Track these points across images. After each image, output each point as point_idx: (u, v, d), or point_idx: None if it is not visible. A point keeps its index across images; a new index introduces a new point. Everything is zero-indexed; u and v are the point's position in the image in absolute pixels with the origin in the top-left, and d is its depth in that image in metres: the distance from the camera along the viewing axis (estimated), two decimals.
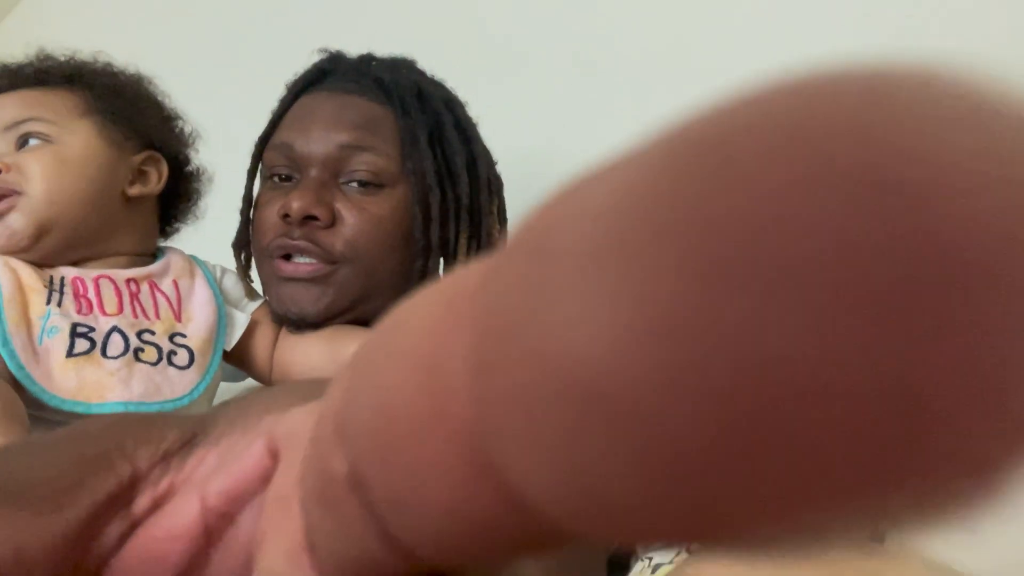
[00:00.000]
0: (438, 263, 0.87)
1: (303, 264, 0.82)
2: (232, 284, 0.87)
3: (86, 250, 0.77)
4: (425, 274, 0.86)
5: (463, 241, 0.87)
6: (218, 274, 0.86)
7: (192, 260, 0.85)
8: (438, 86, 0.92)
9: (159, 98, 0.87)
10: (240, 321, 0.84)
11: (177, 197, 0.88)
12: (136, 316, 0.75)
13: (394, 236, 0.84)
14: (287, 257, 0.83)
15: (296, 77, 0.92)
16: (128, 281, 0.77)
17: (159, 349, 0.74)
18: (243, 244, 0.91)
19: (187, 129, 0.89)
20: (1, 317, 0.68)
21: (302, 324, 0.84)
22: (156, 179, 0.83)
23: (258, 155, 0.91)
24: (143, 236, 0.83)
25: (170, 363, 0.74)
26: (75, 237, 0.76)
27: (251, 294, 0.89)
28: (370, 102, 0.86)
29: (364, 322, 0.85)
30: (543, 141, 1.16)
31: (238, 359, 0.84)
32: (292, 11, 1.53)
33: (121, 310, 0.74)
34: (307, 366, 0.81)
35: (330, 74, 0.90)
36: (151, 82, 0.87)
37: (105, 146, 0.78)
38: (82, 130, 0.77)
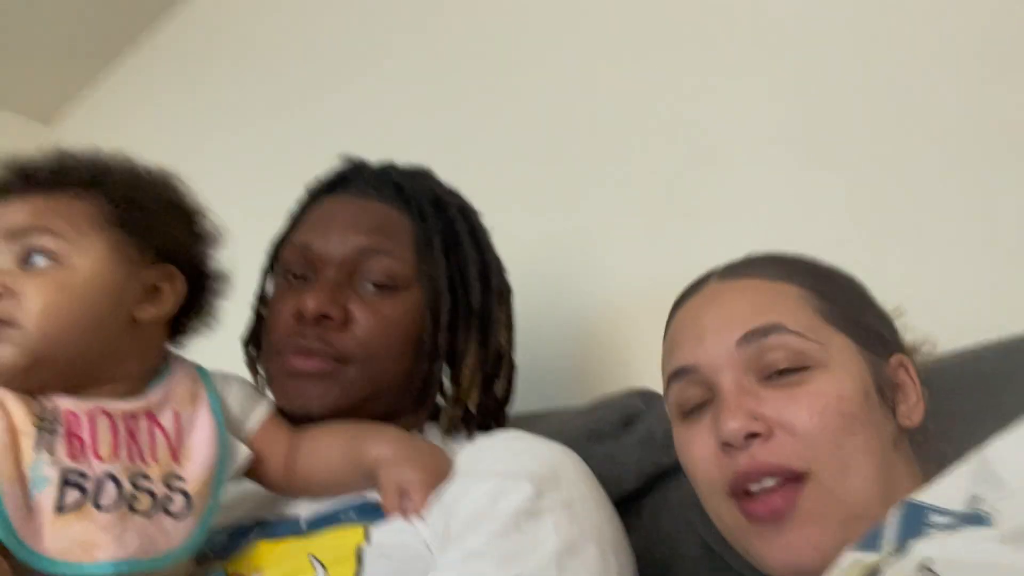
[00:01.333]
0: (442, 368, 0.87)
1: (312, 361, 0.82)
2: (238, 391, 0.80)
3: (84, 378, 0.70)
4: (430, 378, 0.87)
5: (472, 348, 0.87)
6: (222, 388, 0.78)
7: (197, 375, 0.78)
8: (454, 195, 0.94)
9: (183, 199, 0.79)
10: (243, 453, 0.77)
11: (193, 310, 0.80)
12: (132, 460, 0.68)
13: (405, 339, 0.84)
14: (297, 354, 0.82)
15: (317, 181, 0.94)
16: (126, 417, 0.70)
17: (153, 497, 0.68)
18: (254, 340, 0.92)
19: (210, 229, 0.81)
20: None
21: (306, 420, 0.83)
22: (170, 298, 0.75)
23: (275, 254, 0.92)
24: (149, 358, 0.76)
25: (166, 511, 0.68)
26: (71, 369, 0.69)
27: (256, 397, 0.83)
28: (388, 207, 0.88)
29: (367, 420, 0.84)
30: None
31: (248, 474, 0.79)
32: (328, 118, 1.58)
33: (116, 453, 0.67)
34: (328, 471, 0.78)
35: (351, 179, 0.92)
36: (175, 181, 0.79)
37: (117, 265, 0.71)
38: (94, 248, 0.70)
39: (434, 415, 0.89)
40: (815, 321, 0.71)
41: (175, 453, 0.71)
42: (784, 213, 1.05)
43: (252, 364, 0.92)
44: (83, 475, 0.65)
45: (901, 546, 0.54)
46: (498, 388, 0.90)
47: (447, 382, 0.90)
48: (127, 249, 0.72)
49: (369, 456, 0.76)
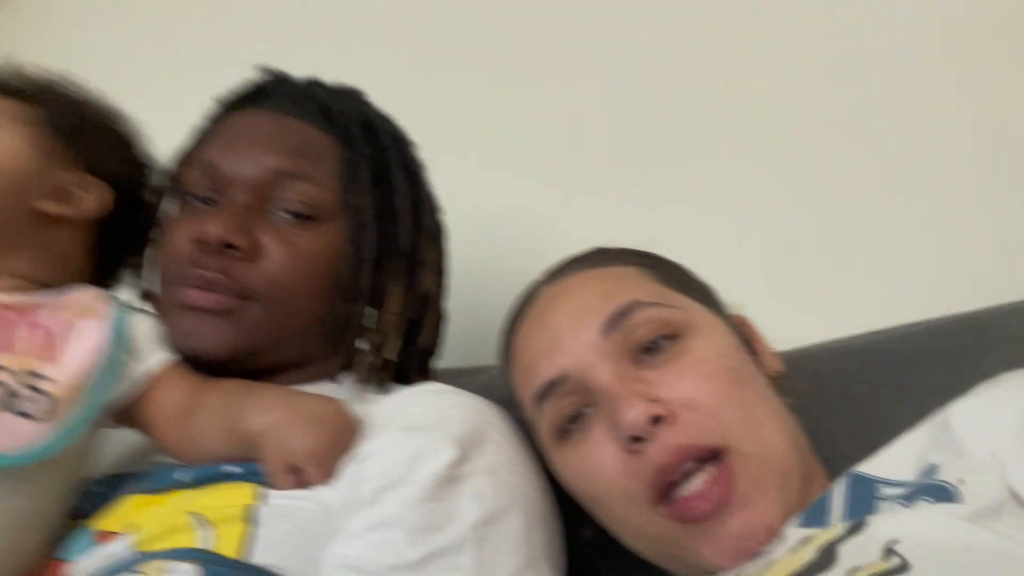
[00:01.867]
0: (362, 311, 0.78)
1: (211, 295, 0.72)
2: (149, 329, 0.73)
3: None
4: (348, 321, 0.77)
5: (396, 290, 0.78)
6: (133, 318, 0.73)
7: (106, 296, 0.72)
8: (387, 121, 0.84)
9: (122, 130, 0.80)
10: (137, 376, 0.70)
11: (120, 240, 0.78)
12: None
13: (321, 277, 0.75)
14: (194, 286, 0.72)
15: (231, 92, 0.83)
16: (2, 308, 0.66)
17: (4, 388, 0.62)
18: (137, 262, 0.81)
19: (155, 172, 0.81)
20: None
21: (196, 363, 0.73)
22: (87, 204, 0.73)
23: (176, 173, 0.80)
24: (52, 264, 0.72)
25: (16, 409, 0.62)
26: None
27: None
28: (311, 128, 0.78)
29: (266, 371, 0.75)
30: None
31: (132, 420, 0.72)
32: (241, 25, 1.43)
33: None
34: (209, 447, 0.68)
35: (270, 94, 0.82)
36: (120, 116, 0.80)
37: (30, 157, 0.71)
38: (11, 134, 0.71)
39: (349, 363, 0.79)
40: (663, 290, 0.68)
41: (46, 352, 0.65)
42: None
43: (144, 297, 0.81)
44: None
45: (854, 521, 0.50)
46: (423, 337, 0.81)
47: (367, 328, 0.80)
48: (46, 146, 0.72)
49: (250, 429, 0.66)
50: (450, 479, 0.62)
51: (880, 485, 0.54)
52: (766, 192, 0.97)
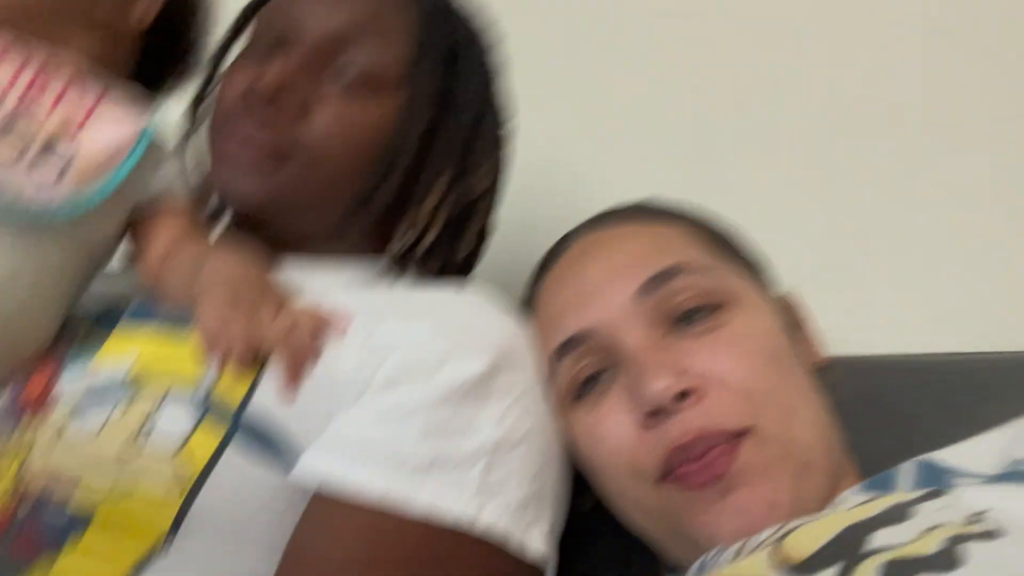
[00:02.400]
0: (396, 187, 0.71)
1: (249, 150, 0.68)
2: (175, 163, 0.71)
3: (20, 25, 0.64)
4: (381, 201, 0.71)
5: (440, 182, 0.72)
6: (164, 145, 0.70)
7: (149, 113, 0.69)
8: (475, 14, 0.78)
9: None
10: (154, 190, 0.69)
11: (165, 54, 0.75)
12: (22, 101, 0.61)
13: (368, 150, 0.70)
14: (233, 138, 0.69)
15: None
16: (43, 67, 0.63)
17: (28, 145, 0.60)
18: (198, 102, 0.77)
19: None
20: None
21: (232, 213, 0.71)
22: (138, 14, 0.70)
23: (248, 15, 0.76)
24: (100, 47, 0.68)
25: (37, 165, 0.60)
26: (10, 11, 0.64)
27: (185, 176, 0.73)
28: None
29: (298, 239, 0.72)
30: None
31: (133, 234, 0.70)
32: None
33: (11, 85, 0.61)
34: (171, 287, 0.66)
35: None
36: None
37: None
38: None
39: (382, 247, 0.75)
40: (711, 259, 0.62)
41: (81, 120, 0.63)
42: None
43: (188, 135, 0.76)
44: None
45: (930, 489, 0.45)
46: (462, 244, 0.76)
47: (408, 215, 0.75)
48: None
49: (192, 295, 0.62)
50: (476, 391, 0.58)
51: (953, 476, 0.48)
52: (842, 171, 0.90)
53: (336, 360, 0.60)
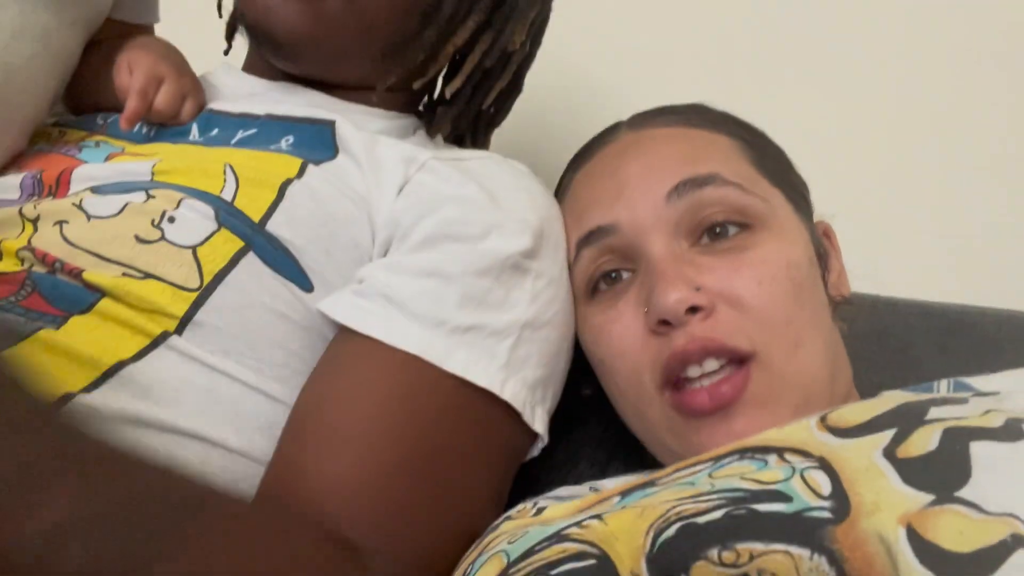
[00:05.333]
0: (434, 36, 0.68)
1: None
2: None
3: None
4: (412, 44, 0.68)
5: (472, 22, 0.69)
6: None
7: None
8: None
9: None
10: None
11: None
12: None
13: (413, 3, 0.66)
14: None
15: None
16: None
17: None
18: None
19: None
20: None
21: (261, 38, 0.66)
22: None
23: None
24: None
25: None
26: None
27: None
28: None
29: (330, 82, 0.69)
30: None
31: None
32: None
33: None
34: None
35: None
36: None
37: None
38: None
39: (414, 98, 0.73)
40: (752, 173, 0.60)
41: None
42: None
43: None
44: None
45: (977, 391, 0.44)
46: (488, 98, 0.73)
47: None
48: None
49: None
50: (517, 267, 0.58)
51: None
52: (900, 108, 0.89)
53: (371, 200, 0.59)
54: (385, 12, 0.66)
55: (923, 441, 0.39)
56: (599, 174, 0.63)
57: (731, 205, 0.58)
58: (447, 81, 0.72)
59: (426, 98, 0.77)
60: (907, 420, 0.41)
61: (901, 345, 0.70)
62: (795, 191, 0.63)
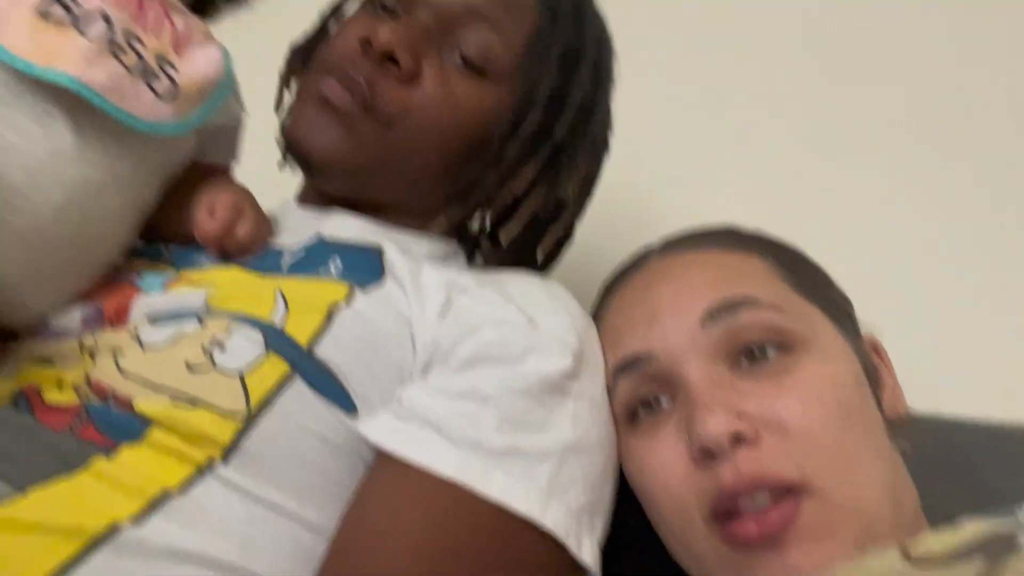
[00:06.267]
0: (495, 182, 0.71)
1: (345, 96, 0.67)
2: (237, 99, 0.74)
3: None
4: (476, 186, 0.71)
5: (531, 175, 0.71)
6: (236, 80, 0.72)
7: (219, 43, 0.71)
8: (600, 20, 0.78)
9: None
10: (235, 113, 0.72)
11: None
12: (133, 20, 0.62)
13: (462, 132, 0.69)
14: (335, 80, 0.68)
15: None
16: None
17: (142, 61, 0.60)
18: (304, 51, 0.77)
19: None
20: None
21: (299, 160, 0.70)
22: None
23: None
24: None
25: (148, 83, 0.61)
26: None
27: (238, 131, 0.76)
28: None
29: (368, 204, 0.71)
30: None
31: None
32: None
33: (118, 2, 0.61)
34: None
35: None
36: None
37: None
38: None
39: (461, 230, 0.75)
40: (789, 293, 0.59)
41: (177, 46, 0.65)
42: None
43: (287, 77, 0.77)
44: (75, 2, 0.59)
45: None
46: (542, 243, 0.75)
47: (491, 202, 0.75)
48: None
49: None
50: (558, 388, 0.58)
51: None
52: (945, 206, 0.88)
53: (414, 322, 0.60)
54: (437, 146, 0.69)
55: (1017, 571, 0.37)
56: (631, 301, 0.63)
57: (768, 327, 0.57)
58: (499, 224, 0.73)
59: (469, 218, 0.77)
60: (997, 549, 0.39)
61: (969, 468, 0.67)
62: (836, 307, 0.62)
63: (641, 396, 0.59)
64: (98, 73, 0.57)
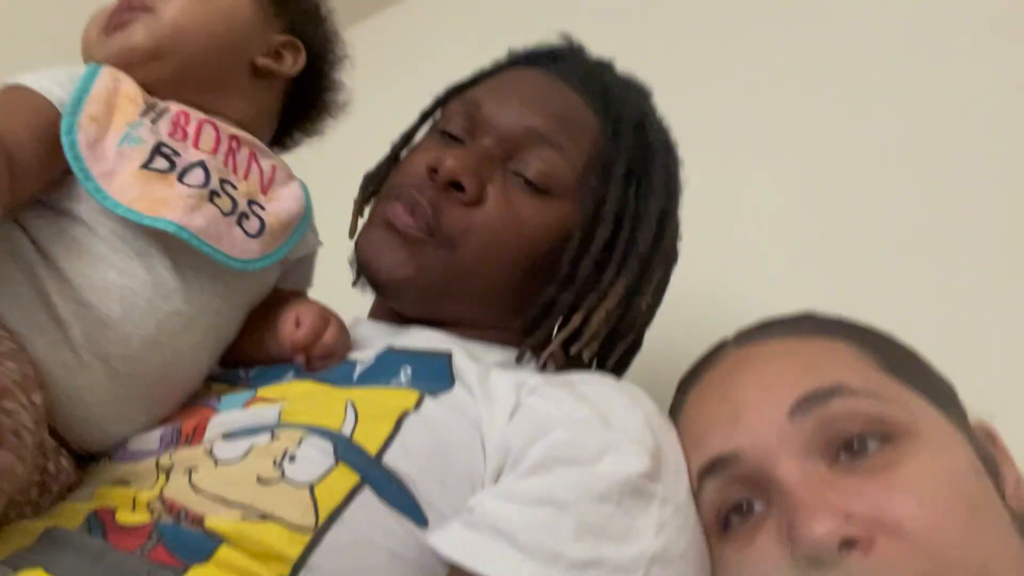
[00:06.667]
0: (570, 300, 0.71)
1: (411, 220, 0.69)
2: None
3: (197, 95, 0.70)
4: (552, 308, 0.71)
5: (617, 291, 0.71)
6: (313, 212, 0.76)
7: (297, 178, 0.75)
8: (664, 130, 0.79)
9: (322, 5, 0.83)
10: (312, 243, 0.76)
11: (306, 99, 0.81)
12: (226, 165, 0.67)
13: (529, 251, 0.71)
14: (402, 205, 0.70)
15: (525, 48, 0.82)
16: (232, 137, 0.69)
17: (235, 204, 0.65)
18: (376, 178, 0.80)
19: (338, 47, 0.83)
20: (78, 109, 0.61)
21: (370, 282, 0.72)
22: (290, 63, 0.77)
23: (442, 100, 0.81)
24: (257, 113, 0.76)
25: (240, 224, 0.65)
26: (189, 74, 0.70)
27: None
28: (583, 104, 0.74)
29: (436, 321, 0.71)
30: None
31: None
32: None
33: (215, 151, 0.66)
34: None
35: (559, 59, 0.79)
36: None
37: (252, 9, 0.74)
38: None
39: (535, 344, 0.73)
40: (883, 378, 0.54)
41: (264, 188, 0.69)
42: None
43: (361, 203, 0.80)
44: (176, 153, 0.64)
45: None
46: (613, 355, 0.74)
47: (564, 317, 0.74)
48: (265, 5, 0.76)
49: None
50: (639, 491, 0.54)
51: None
52: None
53: (484, 427, 0.58)
54: (504, 264, 0.70)
55: None
56: (711, 397, 0.60)
57: (866, 416, 0.52)
58: (573, 339, 0.72)
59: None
60: None
61: None
62: (938, 392, 0.57)
63: (731, 500, 0.55)
64: (197, 218, 0.62)
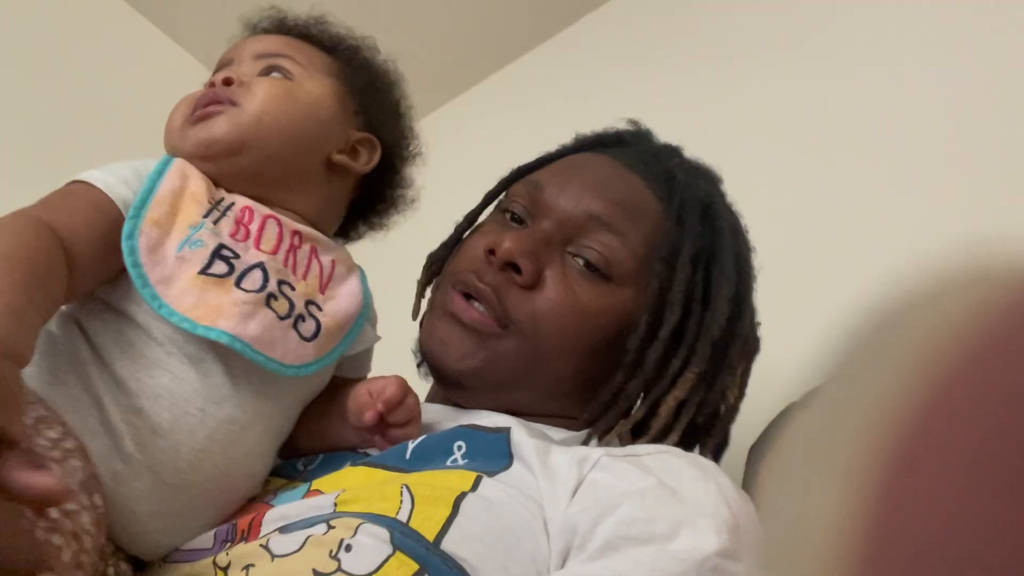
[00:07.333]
0: (640, 386, 0.69)
1: (475, 310, 0.68)
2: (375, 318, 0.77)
3: (268, 190, 0.69)
4: (620, 395, 0.69)
5: (689, 377, 0.68)
6: (372, 304, 0.75)
7: (357, 265, 0.75)
8: (732, 214, 0.78)
9: (402, 101, 0.82)
10: (370, 338, 0.74)
11: (375, 194, 0.81)
12: (285, 265, 0.66)
13: (591, 336, 0.69)
14: (466, 296, 0.70)
15: (592, 133, 0.83)
16: (294, 233, 0.68)
17: (292, 306, 0.64)
18: (439, 258, 0.80)
19: (413, 143, 0.82)
20: (141, 212, 0.61)
21: (434, 373, 0.71)
22: (365, 160, 0.76)
23: (507, 183, 0.80)
24: (326, 207, 0.75)
25: (295, 327, 0.63)
26: (264, 169, 0.69)
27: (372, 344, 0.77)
28: (646, 189, 0.73)
29: (501, 408, 0.69)
30: None
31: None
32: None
33: (275, 252, 0.65)
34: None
35: (624, 144, 0.79)
36: (402, 86, 0.82)
37: (334, 105, 0.74)
38: (322, 84, 0.74)
39: (605, 428, 0.71)
40: None
41: (323, 286, 0.68)
42: None
43: (423, 284, 0.80)
44: (236, 255, 0.63)
45: None
46: (702, 450, 0.70)
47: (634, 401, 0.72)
48: (346, 102, 0.75)
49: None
50: (717, 569, 0.50)
51: None
52: None
53: (545, 506, 0.56)
54: (564, 349, 0.68)
55: None
56: None
57: None
58: (641, 428, 0.69)
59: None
60: None
61: None
62: None
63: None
64: (252, 327, 0.60)
